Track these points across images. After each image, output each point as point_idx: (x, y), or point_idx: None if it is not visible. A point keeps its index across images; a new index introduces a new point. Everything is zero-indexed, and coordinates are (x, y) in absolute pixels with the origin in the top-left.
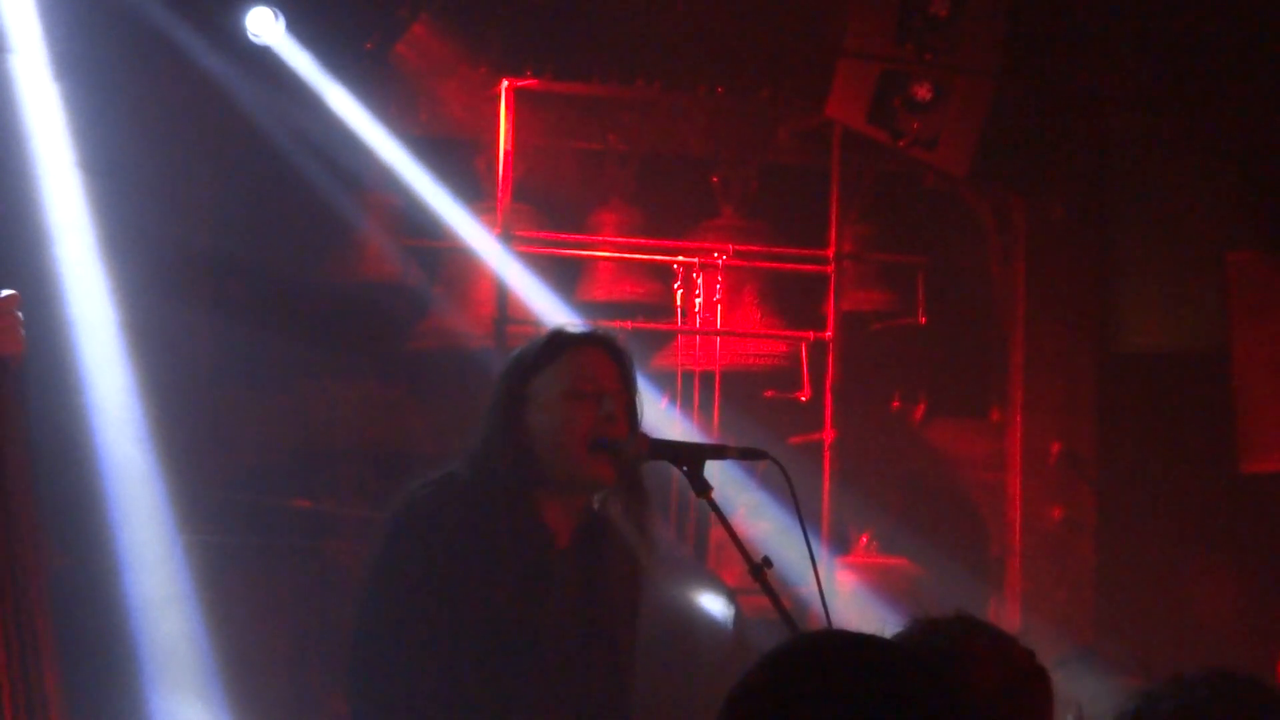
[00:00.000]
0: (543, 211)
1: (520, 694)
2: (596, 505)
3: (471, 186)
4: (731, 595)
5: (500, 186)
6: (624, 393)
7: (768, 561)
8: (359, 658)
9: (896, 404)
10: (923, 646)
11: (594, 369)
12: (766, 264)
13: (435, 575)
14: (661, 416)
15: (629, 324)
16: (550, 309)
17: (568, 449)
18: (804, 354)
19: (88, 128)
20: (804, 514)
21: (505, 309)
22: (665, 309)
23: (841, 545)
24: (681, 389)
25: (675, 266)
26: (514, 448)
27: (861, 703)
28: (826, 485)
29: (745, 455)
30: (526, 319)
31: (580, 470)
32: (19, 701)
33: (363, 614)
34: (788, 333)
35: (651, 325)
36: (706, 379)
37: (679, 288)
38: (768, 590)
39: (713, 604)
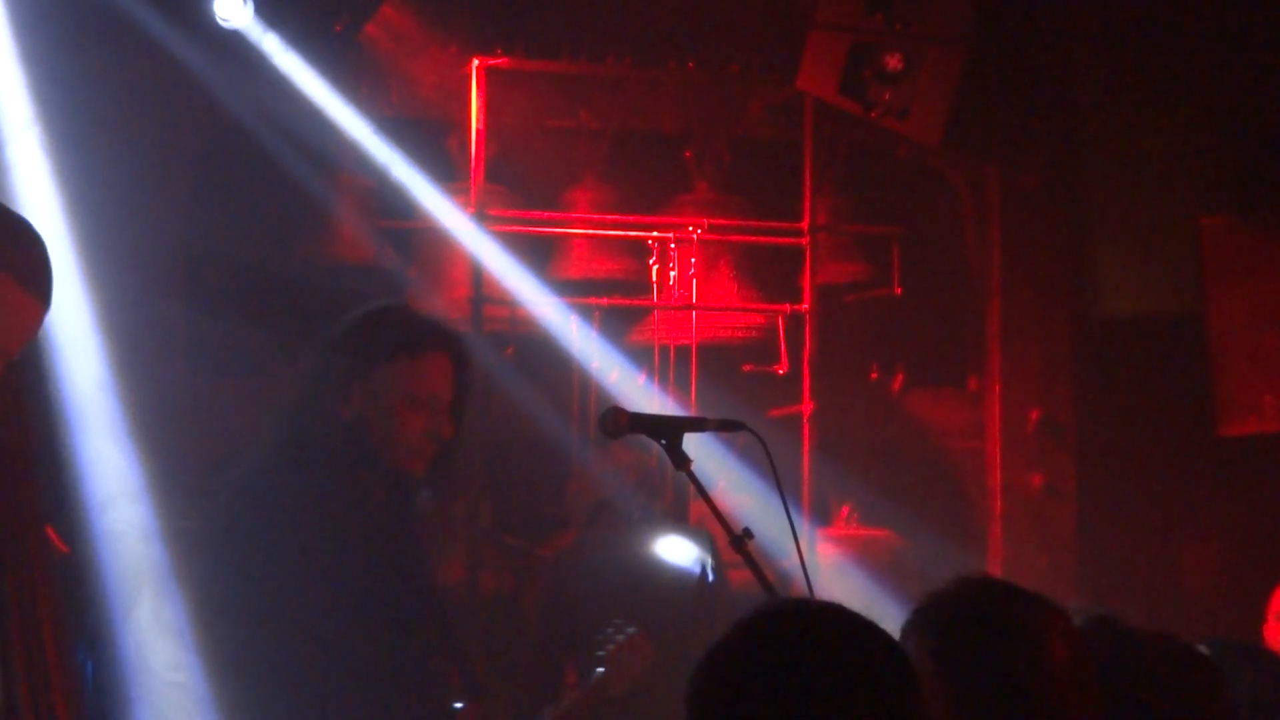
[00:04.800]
0: (516, 190)
1: (364, 656)
2: None
3: (444, 166)
4: (708, 546)
5: (473, 166)
6: (458, 397)
7: (748, 533)
8: (224, 665)
9: (875, 375)
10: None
11: (434, 375)
12: (741, 238)
13: (265, 557)
14: (640, 392)
15: (605, 300)
16: (526, 288)
17: (395, 449)
18: (781, 327)
19: (55, 115)
20: (784, 487)
21: (480, 289)
22: (641, 285)
23: (823, 517)
24: (659, 364)
25: (650, 242)
26: (343, 431)
27: (828, 669)
28: (806, 457)
29: (723, 427)
30: (502, 299)
31: (402, 466)
32: (36, 685)
33: (211, 616)
34: (764, 306)
35: (628, 301)
36: (684, 354)
37: (654, 263)
38: (749, 562)
39: (680, 553)
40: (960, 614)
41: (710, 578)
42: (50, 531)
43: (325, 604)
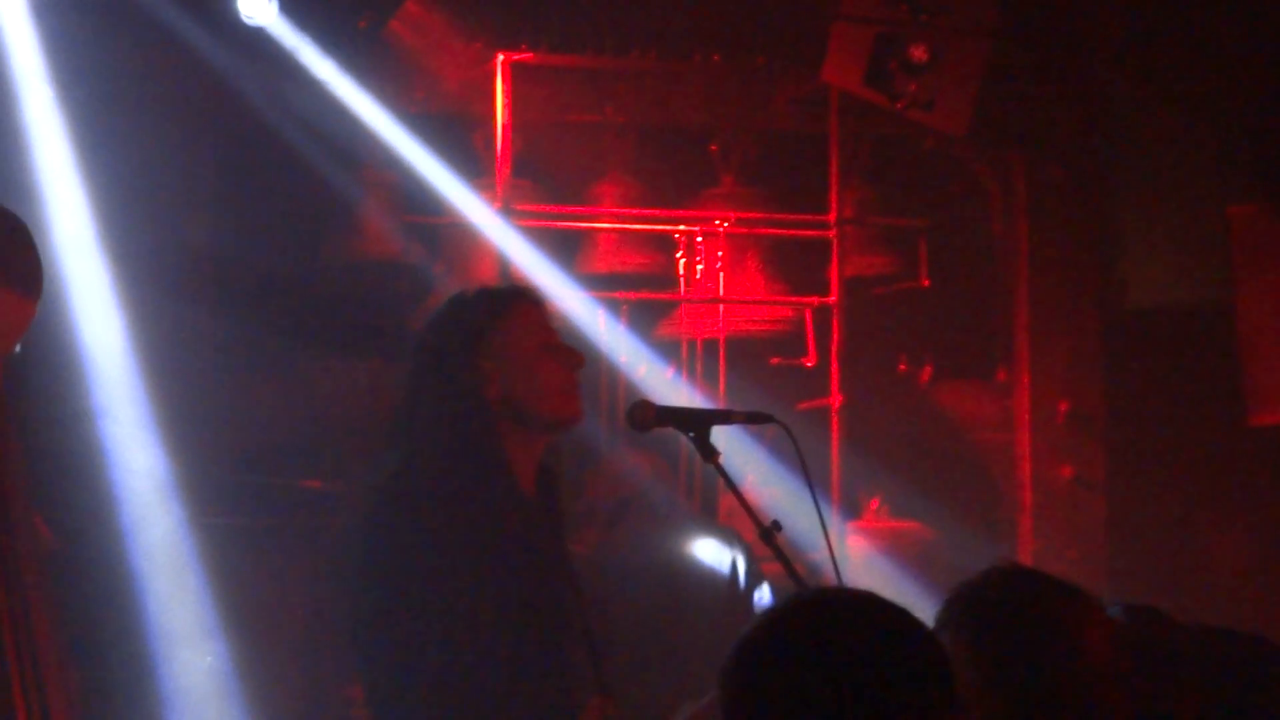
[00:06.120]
0: (542, 185)
1: (527, 650)
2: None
3: (470, 162)
4: (738, 544)
5: (499, 161)
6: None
7: (777, 525)
8: (370, 651)
9: (903, 367)
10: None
11: (539, 318)
12: (768, 231)
13: (430, 555)
14: (668, 386)
15: (632, 295)
16: (552, 283)
17: (552, 399)
18: (809, 320)
19: (79, 113)
20: (813, 479)
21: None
22: (668, 279)
23: (852, 510)
24: (687, 358)
25: (676, 236)
26: (482, 409)
27: (863, 657)
28: (835, 450)
29: (751, 419)
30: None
31: (566, 413)
32: (29, 688)
33: (364, 607)
34: (791, 299)
35: (655, 295)
36: (711, 348)
37: (681, 257)
38: (779, 554)
39: (711, 551)
40: (997, 604)
41: (742, 576)
42: (40, 523)
43: (490, 598)
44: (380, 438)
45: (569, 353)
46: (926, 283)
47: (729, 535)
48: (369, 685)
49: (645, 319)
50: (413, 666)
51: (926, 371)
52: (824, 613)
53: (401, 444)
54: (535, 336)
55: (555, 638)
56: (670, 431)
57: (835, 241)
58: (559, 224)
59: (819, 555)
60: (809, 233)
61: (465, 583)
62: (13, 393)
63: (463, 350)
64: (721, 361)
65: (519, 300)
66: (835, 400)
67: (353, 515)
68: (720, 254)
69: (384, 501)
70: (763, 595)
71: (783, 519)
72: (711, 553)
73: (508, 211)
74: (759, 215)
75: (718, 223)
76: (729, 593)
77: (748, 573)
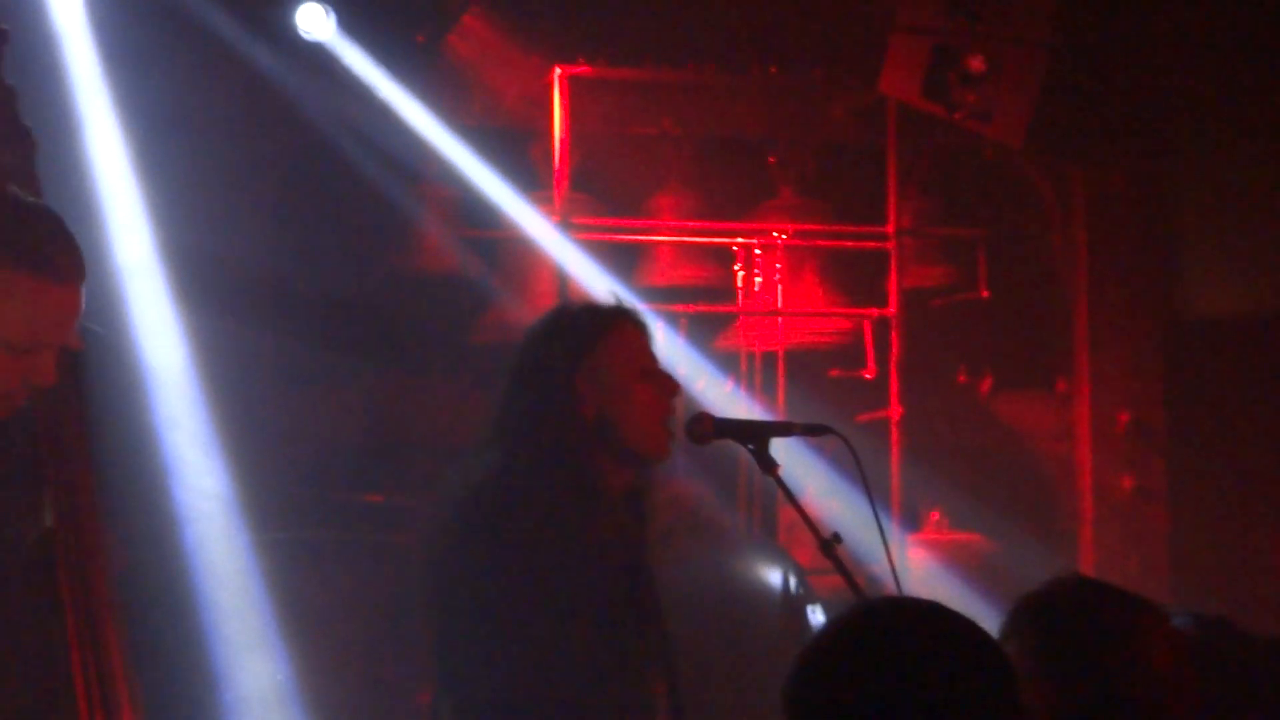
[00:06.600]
0: (600, 198)
1: (614, 665)
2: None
3: (528, 176)
4: (789, 563)
5: (557, 174)
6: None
7: (837, 537)
8: (454, 661)
9: (962, 378)
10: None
11: (647, 345)
12: (826, 243)
13: (515, 569)
14: (727, 399)
15: (690, 307)
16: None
17: (645, 428)
18: (868, 331)
19: (138, 129)
20: (873, 492)
21: (566, 297)
22: (726, 291)
23: (912, 522)
24: (746, 371)
25: (735, 248)
26: (577, 428)
27: (928, 666)
28: (895, 462)
29: (810, 431)
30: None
31: (656, 448)
32: (94, 707)
33: (448, 617)
34: (850, 310)
35: (713, 308)
36: (770, 360)
37: (739, 269)
38: (839, 566)
39: (762, 570)
40: (1063, 613)
41: (794, 594)
42: (111, 540)
43: (575, 618)
44: (457, 448)
45: (666, 380)
46: (986, 294)
47: (778, 553)
48: (452, 694)
49: (704, 332)
50: (495, 680)
51: (986, 383)
52: (888, 621)
53: (492, 454)
54: (636, 361)
55: (637, 660)
56: (729, 444)
57: (894, 253)
58: (617, 237)
59: (879, 568)
60: (867, 244)
61: (551, 600)
62: (84, 413)
63: (562, 367)
64: (780, 374)
65: (622, 321)
66: (894, 412)
67: (434, 522)
68: (779, 266)
69: (471, 511)
70: (816, 612)
71: (843, 531)
72: (762, 571)
73: (566, 225)
74: (817, 227)
75: (776, 235)
76: (782, 611)
77: (799, 590)
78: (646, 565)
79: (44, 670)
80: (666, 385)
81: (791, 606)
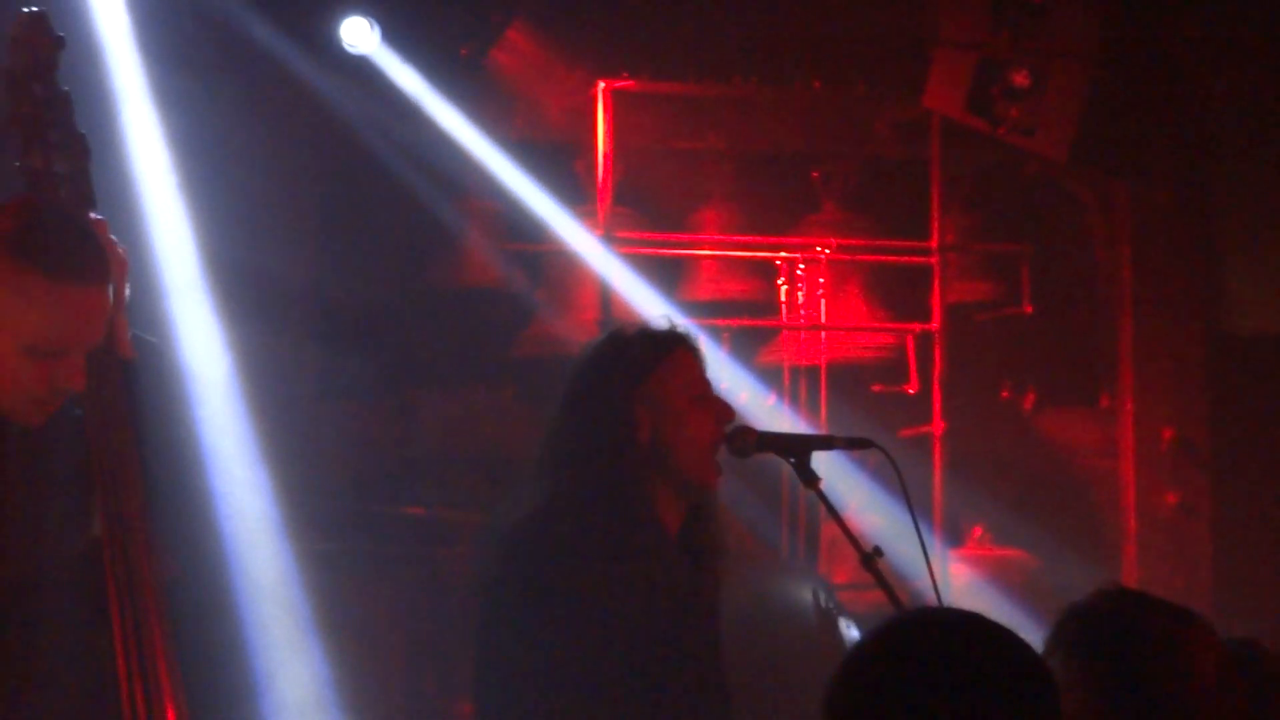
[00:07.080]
0: (643, 212)
1: (664, 697)
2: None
3: (572, 189)
4: (816, 580)
5: (600, 188)
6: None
7: (879, 551)
8: (499, 684)
9: (1006, 394)
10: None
11: (702, 371)
12: (869, 257)
13: (570, 597)
14: (769, 413)
15: (734, 321)
16: (654, 310)
17: (698, 454)
18: (910, 346)
19: (183, 144)
20: (915, 507)
21: (609, 311)
22: (769, 306)
23: (954, 538)
24: (788, 385)
25: (778, 263)
26: (633, 453)
27: (970, 677)
28: (938, 477)
29: (852, 445)
30: (630, 322)
31: (707, 475)
32: (139, 706)
33: (497, 641)
34: (893, 325)
35: (756, 322)
36: (813, 374)
37: (783, 284)
38: (880, 580)
39: (792, 589)
40: (1107, 625)
41: (825, 610)
42: (160, 548)
43: (628, 644)
44: (484, 467)
45: (721, 406)
46: (1029, 309)
47: (806, 572)
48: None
49: (747, 346)
50: (542, 705)
51: (1029, 398)
52: (930, 630)
53: (547, 479)
54: (691, 387)
55: (690, 690)
56: (772, 458)
57: (937, 268)
58: (660, 251)
59: (921, 583)
60: (910, 259)
61: (604, 627)
62: (133, 420)
63: (619, 393)
64: (823, 388)
65: (679, 347)
66: (937, 427)
67: (484, 554)
68: (822, 280)
69: (527, 537)
70: (850, 626)
71: (885, 546)
72: (794, 589)
73: (609, 239)
74: (860, 241)
75: (819, 249)
76: (814, 630)
77: (829, 604)
78: (706, 594)
79: (91, 677)
80: (722, 411)
81: (826, 621)
